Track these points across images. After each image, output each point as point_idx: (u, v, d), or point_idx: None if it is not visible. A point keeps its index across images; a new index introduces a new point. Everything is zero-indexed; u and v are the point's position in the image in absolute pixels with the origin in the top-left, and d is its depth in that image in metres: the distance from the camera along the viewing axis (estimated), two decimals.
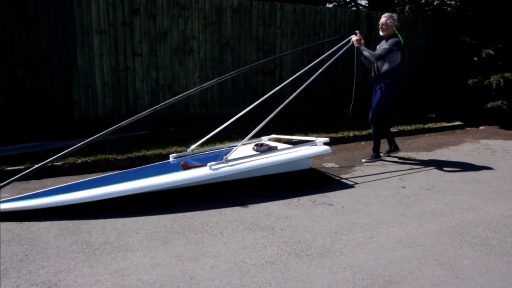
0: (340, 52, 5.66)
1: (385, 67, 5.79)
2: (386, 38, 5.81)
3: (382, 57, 5.71)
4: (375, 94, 5.98)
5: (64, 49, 6.62)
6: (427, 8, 10.72)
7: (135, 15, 7.03)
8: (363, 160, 6.12)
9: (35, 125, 6.51)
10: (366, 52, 5.73)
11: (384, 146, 6.46)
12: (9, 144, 5.87)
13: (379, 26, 5.85)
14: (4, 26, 6.20)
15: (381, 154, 6.31)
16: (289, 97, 5.11)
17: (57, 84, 6.65)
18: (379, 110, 5.93)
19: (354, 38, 5.72)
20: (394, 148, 6.31)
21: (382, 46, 5.81)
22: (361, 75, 6.28)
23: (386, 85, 5.82)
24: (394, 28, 5.80)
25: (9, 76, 6.31)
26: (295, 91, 5.19)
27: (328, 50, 5.96)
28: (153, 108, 4.77)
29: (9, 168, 5.05)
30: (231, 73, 5.46)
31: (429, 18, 10.31)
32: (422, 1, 10.71)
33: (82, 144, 4.32)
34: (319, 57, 5.59)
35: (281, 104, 5.01)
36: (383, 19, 5.81)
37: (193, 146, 5.53)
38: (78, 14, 6.62)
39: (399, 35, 5.81)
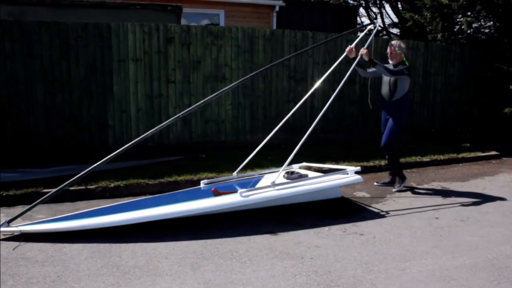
0: (367, 44, 5.67)
1: (396, 95, 5.83)
2: (395, 65, 5.84)
3: (395, 74, 5.70)
4: (385, 122, 6.03)
5: (101, 76, 6.85)
6: (460, 36, 10.61)
7: (170, 44, 7.23)
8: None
9: (71, 149, 6.71)
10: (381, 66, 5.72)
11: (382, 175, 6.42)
12: (46, 166, 6.08)
13: (388, 55, 5.89)
14: (47, 56, 6.51)
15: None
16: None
17: (93, 110, 6.87)
18: (391, 139, 5.92)
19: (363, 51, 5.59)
20: (391, 181, 6.24)
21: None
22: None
23: (397, 116, 5.87)
24: (402, 56, 5.86)
25: (49, 103, 6.58)
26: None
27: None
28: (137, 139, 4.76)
29: (44, 190, 5.20)
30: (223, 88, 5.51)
31: (462, 46, 10.19)
32: (455, 29, 10.61)
33: (82, 174, 4.44)
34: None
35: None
36: (389, 48, 5.87)
37: (237, 170, 5.58)
38: (115, 43, 6.87)
39: (406, 62, 5.86)
